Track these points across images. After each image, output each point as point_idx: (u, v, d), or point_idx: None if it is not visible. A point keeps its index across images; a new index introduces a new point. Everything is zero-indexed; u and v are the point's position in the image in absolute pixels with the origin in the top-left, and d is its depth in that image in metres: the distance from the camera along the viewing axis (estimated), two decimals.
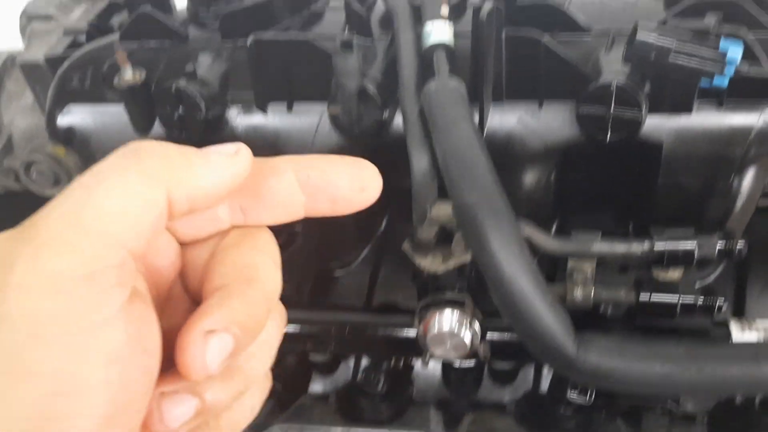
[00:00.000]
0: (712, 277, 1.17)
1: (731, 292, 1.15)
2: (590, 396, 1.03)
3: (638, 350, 0.76)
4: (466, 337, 0.89)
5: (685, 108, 0.94)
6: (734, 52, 0.84)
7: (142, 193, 0.38)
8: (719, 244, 0.85)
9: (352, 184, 0.49)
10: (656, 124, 0.95)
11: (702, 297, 0.90)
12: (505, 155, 0.99)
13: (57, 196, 0.37)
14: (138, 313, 0.37)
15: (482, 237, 0.77)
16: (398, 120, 0.98)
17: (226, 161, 0.42)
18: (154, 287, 0.43)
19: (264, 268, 0.44)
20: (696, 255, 0.85)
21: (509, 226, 0.78)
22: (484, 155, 0.82)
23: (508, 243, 0.77)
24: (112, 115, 1.05)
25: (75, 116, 1.07)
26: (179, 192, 0.39)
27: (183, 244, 0.45)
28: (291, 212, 0.49)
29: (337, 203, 0.50)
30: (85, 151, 1.07)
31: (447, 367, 1.17)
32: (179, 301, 0.45)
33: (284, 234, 1.14)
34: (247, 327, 0.40)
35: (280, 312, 0.49)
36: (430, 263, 0.90)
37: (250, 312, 0.41)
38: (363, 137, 0.97)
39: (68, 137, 1.07)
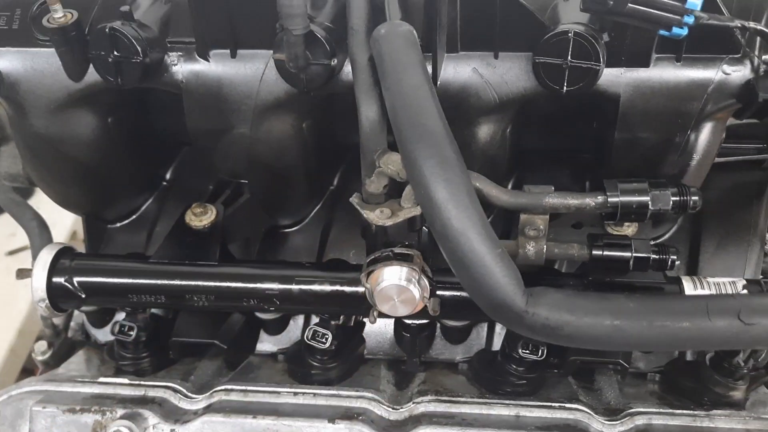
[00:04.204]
0: (667, 236, 1.16)
1: (685, 252, 1.15)
2: (542, 353, 1.01)
3: (588, 304, 0.74)
4: (415, 292, 0.86)
5: (643, 61, 0.91)
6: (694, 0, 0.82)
7: None
8: (674, 197, 0.83)
9: None
10: (613, 77, 0.92)
11: (655, 252, 0.88)
12: (459, 108, 0.95)
13: None
14: None
15: (429, 188, 0.74)
16: (348, 69, 0.94)
17: None
18: None
19: None
20: (650, 208, 0.83)
21: (459, 177, 0.75)
22: (435, 102, 0.78)
23: (456, 194, 0.74)
24: (42, 59, 0.98)
25: (3, 60, 0.99)
26: None
27: None
28: None
29: None
30: (14, 97, 1.00)
31: (399, 325, 1.14)
32: None
33: (230, 188, 1.10)
34: None
35: None
36: (378, 217, 0.87)
37: None
38: (311, 86, 0.92)
39: None
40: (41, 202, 1.20)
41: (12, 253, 2.38)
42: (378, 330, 1.18)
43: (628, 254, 0.88)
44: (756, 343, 0.74)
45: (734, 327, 0.73)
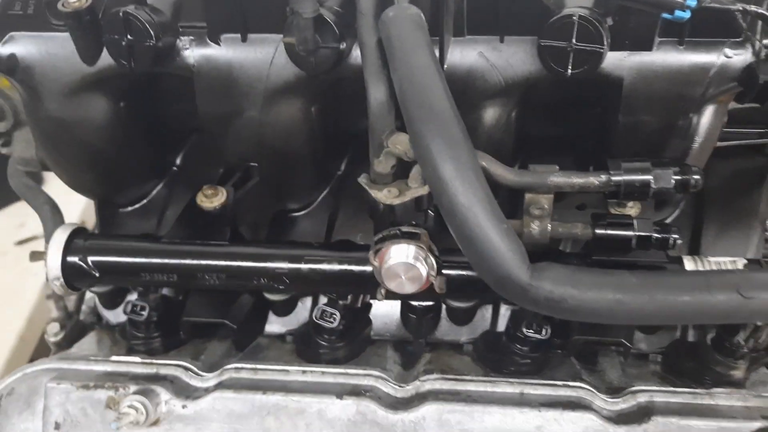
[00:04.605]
0: (669, 221, 1.18)
1: (687, 237, 1.17)
2: (546, 333, 1.03)
3: (591, 279, 0.76)
4: (422, 269, 0.88)
5: (646, 45, 0.93)
6: None
7: None
8: (675, 176, 0.85)
9: None
10: (617, 61, 0.94)
11: (657, 231, 0.90)
12: (466, 91, 0.97)
13: None
14: None
15: (436, 164, 0.76)
16: (356, 54, 0.96)
17: None
18: None
19: None
20: (652, 186, 0.85)
21: (465, 154, 0.77)
22: (442, 83, 0.80)
23: (463, 171, 0.75)
24: (57, 43, 1.00)
25: (18, 45, 1.01)
26: None
27: None
28: None
29: None
30: (28, 81, 1.02)
31: (405, 306, 1.16)
32: None
33: (240, 171, 1.12)
34: None
35: None
36: (386, 196, 0.89)
37: None
38: (320, 69, 0.94)
39: (11, 67, 1.02)
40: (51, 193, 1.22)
41: (21, 243, 2.41)
42: (384, 312, 1.20)
43: (630, 233, 0.90)
44: (755, 317, 0.76)
45: (734, 301, 0.75)
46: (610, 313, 0.76)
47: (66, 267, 1.00)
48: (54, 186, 1.28)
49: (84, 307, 1.33)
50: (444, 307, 1.17)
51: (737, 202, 1.15)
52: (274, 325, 1.22)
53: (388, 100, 0.87)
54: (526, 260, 0.76)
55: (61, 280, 1.00)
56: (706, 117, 0.99)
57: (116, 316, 1.25)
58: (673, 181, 0.85)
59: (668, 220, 1.17)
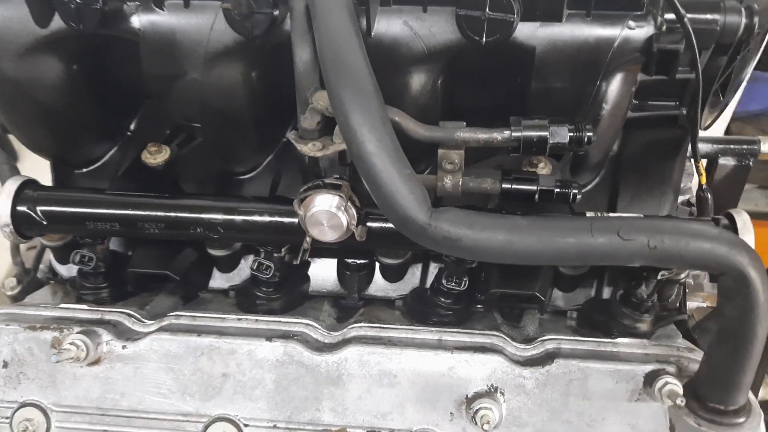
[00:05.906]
0: (591, 186, 1.26)
1: (604, 204, 1.25)
2: (464, 284, 1.11)
3: (486, 221, 0.84)
4: (342, 218, 0.95)
5: (556, 16, 1.01)
6: None
7: None
8: (570, 133, 0.93)
9: None
10: (530, 31, 1.02)
11: (558, 186, 0.98)
12: (391, 59, 1.04)
13: None
14: None
15: (347, 114, 0.83)
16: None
17: None
18: None
19: None
20: (549, 142, 0.92)
21: (374, 106, 0.84)
22: (357, 41, 0.88)
23: (371, 120, 0.83)
24: (11, 6, 1.06)
25: None
26: None
27: None
28: None
29: None
30: None
31: (341, 264, 1.24)
32: None
33: (185, 131, 1.19)
34: None
35: None
36: (310, 149, 0.96)
37: None
38: (255, 33, 1.01)
39: None
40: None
41: None
42: (323, 270, 1.27)
43: (534, 187, 0.97)
44: (634, 258, 0.83)
45: (614, 242, 0.83)
46: (501, 252, 0.83)
47: (15, 215, 1.06)
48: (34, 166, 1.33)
49: (42, 266, 1.39)
50: (378, 264, 1.24)
51: (653, 170, 1.23)
52: (218, 280, 1.29)
53: (312, 60, 0.94)
54: (428, 203, 0.83)
55: (11, 227, 1.06)
56: (614, 85, 1.07)
57: (69, 270, 1.31)
58: (568, 137, 0.93)
59: (588, 187, 1.25)
